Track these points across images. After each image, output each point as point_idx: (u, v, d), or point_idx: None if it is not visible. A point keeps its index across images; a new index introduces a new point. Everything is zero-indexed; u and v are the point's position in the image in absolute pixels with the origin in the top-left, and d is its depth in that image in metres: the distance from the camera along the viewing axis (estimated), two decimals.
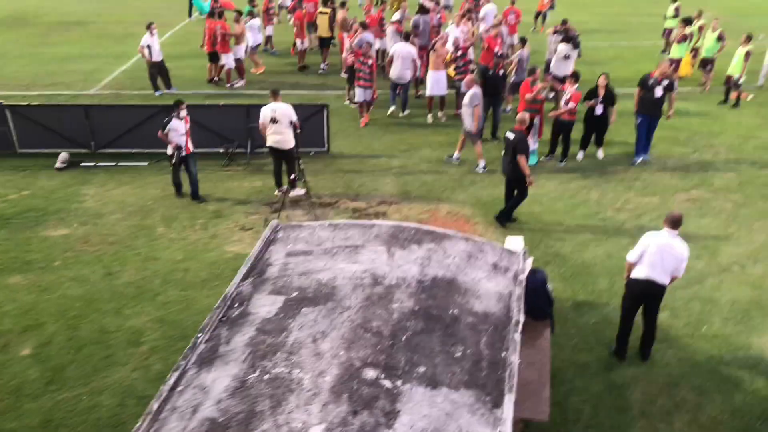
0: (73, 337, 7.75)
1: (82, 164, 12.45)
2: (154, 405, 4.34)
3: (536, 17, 23.35)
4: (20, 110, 12.78)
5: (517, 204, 10.11)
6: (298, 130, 10.62)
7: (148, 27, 15.68)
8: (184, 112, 10.53)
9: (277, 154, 10.97)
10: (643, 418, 6.55)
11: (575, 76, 12.11)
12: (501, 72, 13.27)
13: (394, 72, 14.56)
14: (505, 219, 10.15)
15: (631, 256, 7.02)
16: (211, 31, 16.47)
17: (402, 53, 14.40)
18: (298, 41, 18.37)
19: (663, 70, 11.77)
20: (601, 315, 8.05)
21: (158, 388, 4.48)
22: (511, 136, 9.72)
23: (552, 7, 23.02)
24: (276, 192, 11.26)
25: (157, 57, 15.92)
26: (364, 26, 15.35)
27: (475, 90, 11.73)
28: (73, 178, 11.94)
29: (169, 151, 10.66)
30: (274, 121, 10.64)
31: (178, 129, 10.48)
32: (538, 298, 6.62)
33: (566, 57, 14.46)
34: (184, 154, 10.65)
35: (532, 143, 11.96)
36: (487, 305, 5.41)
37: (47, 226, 10.23)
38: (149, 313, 8.16)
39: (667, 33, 19.85)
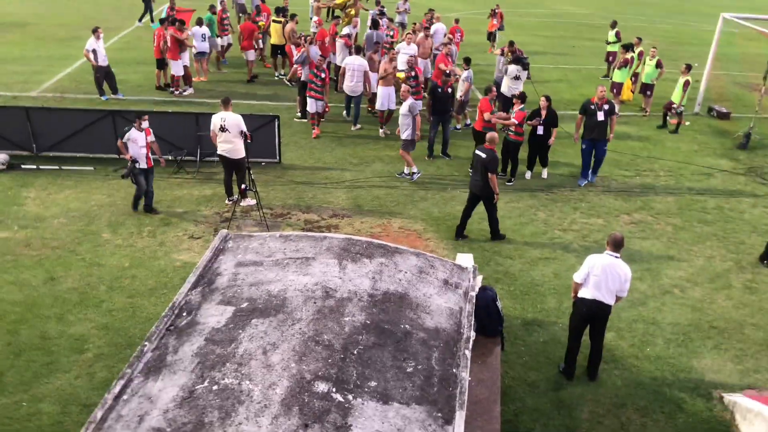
0: (12, 342, 7.46)
1: (23, 166, 12.01)
2: (99, 413, 4.21)
3: (489, 38, 23.89)
4: None
5: (496, 220, 10.35)
6: (249, 141, 10.52)
7: (94, 31, 15.34)
8: (145, 124, 10.20)
9: (228, 163, 10.85)
10: None
11: (521, 97, 12.47)
12: (449, 90, 13.52)
13: (347, 85, 14.69)
14: (498, 236, 10.40)
15: (577, 277, 7.20)
16: (160, 38, 16.21)
17: (354, 66, 14.57)
18: (251, 52, 18.19)
19: (600, 95, 12.23)
20: (550, 334, 8.22)
21: (103, 396, 4.36)
22: (481, 154, 9.90)
23: (501, 28, 23.64)
24: (226, 201, 11.12)
25: (102, 61, 15.56)
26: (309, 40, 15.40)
27: (412, 100, 12.15)
28: (13, 180, 11.51)
29: (129, 163, 10.20)
30: (223, 129, 10.54)
31: (137, 140, 10.10)
32: (488, 315, 6.71)
33: (516, 78, 14.86)
34: (144, 167, 10.25)
35: None
36: (438, 321, 5.47)
37: None
38: (94, 319, 7.92)
39: (610, 57, 20.60)
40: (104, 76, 15.78)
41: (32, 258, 9.16)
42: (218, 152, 10.82)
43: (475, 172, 10.11)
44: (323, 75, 14.04)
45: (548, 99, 12.36)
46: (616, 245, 7.05)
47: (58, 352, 7.35)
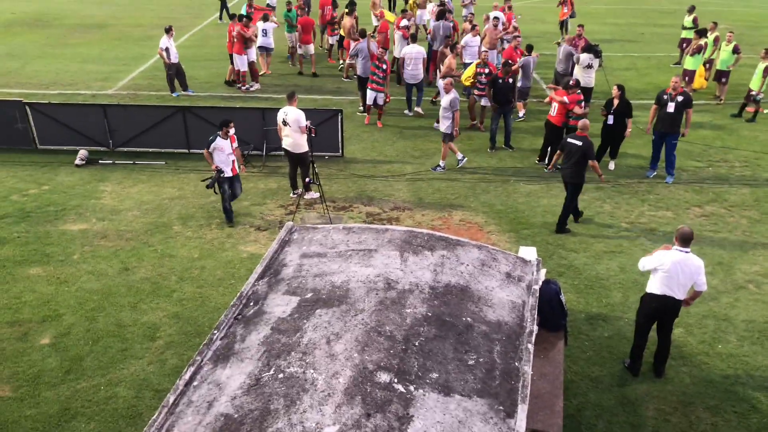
0: (90, 329, 7.89)
1: (101, 162, 12.62)
2: (170, 398, 4.41)
3: (561, 27, 23.30)
4: (40, 108, 13.00)
5: (569, 213, 10.30)
6: (314, 135, 10.69)
7: (167, 30, 15.87)
8: (232, 131, 9.90)
9: (291, 157, 11.08)
10: None
11: (576, 84, 12.31)
12: (510, 80, 13.38)
13: (407, 73, 14.98)
14: (564, 229, 10.32)
15: (642, 266, 6.98)
16: (231, 33, 16.67)
17: (413, 54, 14.87)
18: (310, 47, 18.40)
19: (673, 85, 11.64)
20: (615, 329, 8.03)
21: (174, 382, 4.58)
22: (577, 142, 9.90)
23: (572, 15, 22.99)
24: (291, 195, 11.35)
25: (174, 59, 16.12)
26: (362, 35, 15.52)
27: (454, 95, 12.14)
28: (91, 175, 12.11)
29: (215, 173, 9.98)
30: (285, 124, 10.78)
31: (224, 149, 9.84)
32: (551, 309, 6.61)
33: (588, 66, 14.56)
34: (229, 175, 10.02)
35: None
36: (500, 314, 5.44)
37: (66, 221, 10.40)
38: (165, 308, 8.27)
39: (684, 44, 19.74)
40: (176, 73, 16.34)
41: (108, 249, 9.62)
42: (282, 146, 11.07)
43: (568, 160, 10.03)
44: (384, 66, 14.17)
45: (620, 88, 11.99)
46: (685, 240, 6.78)
47: (132, 339, 7.72)
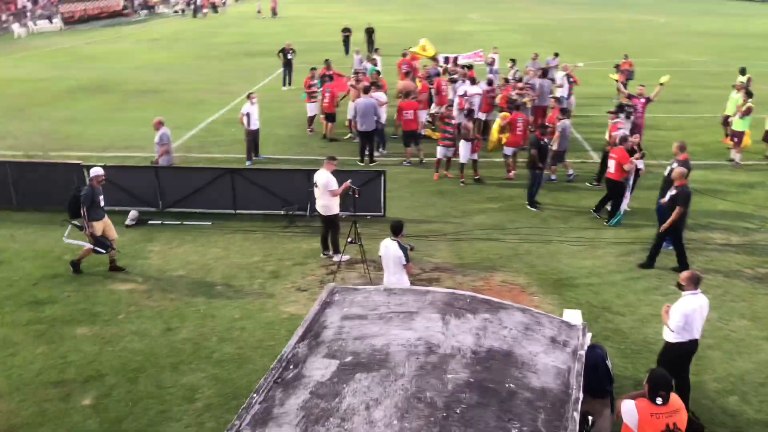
0: (131, 390, 7.93)
1: (150, 222, 12.98)
2: None
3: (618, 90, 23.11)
4: None
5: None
6: (357, 196, 10.81)
7: (248, 96, 16.27)
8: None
9: (322, 218, 11.26)
10: None
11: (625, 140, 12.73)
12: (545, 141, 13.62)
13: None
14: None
15: (676, 326, 7.03)
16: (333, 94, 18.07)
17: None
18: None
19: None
20: None
21: None
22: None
23: (630, 77, 22.61)
24: (320, 255, 11.42)
25: (254, 126, 16.17)
26: (366, 91, 16.52)
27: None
28: (141, 235, 12.45)
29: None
30: (316, 186, 11.00)
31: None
32: (597, 374, 6.41)
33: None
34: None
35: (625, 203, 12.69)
36: (545, 381, 5.28)
37: (114, 280, 10.66)
38: (205, 369, 8.29)
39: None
40: (253, 140, 16.38)
41: (153, 309, 9.78)
42: (315, 207, 11.32)
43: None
44: (453, 122, 15.09)
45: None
46: (698, 282, 7.09)
47: (171, 401, 7.73)
